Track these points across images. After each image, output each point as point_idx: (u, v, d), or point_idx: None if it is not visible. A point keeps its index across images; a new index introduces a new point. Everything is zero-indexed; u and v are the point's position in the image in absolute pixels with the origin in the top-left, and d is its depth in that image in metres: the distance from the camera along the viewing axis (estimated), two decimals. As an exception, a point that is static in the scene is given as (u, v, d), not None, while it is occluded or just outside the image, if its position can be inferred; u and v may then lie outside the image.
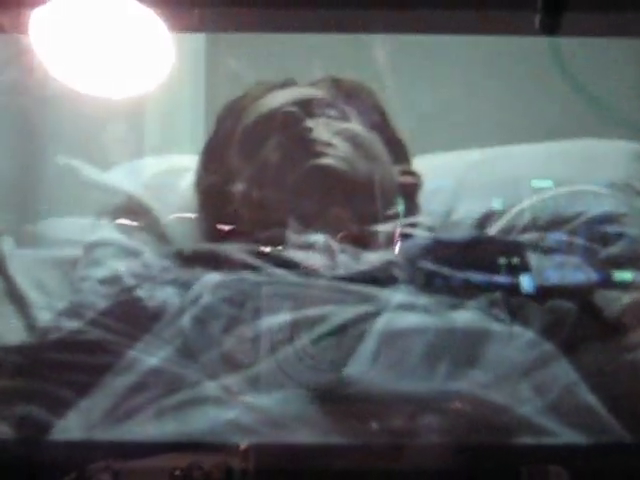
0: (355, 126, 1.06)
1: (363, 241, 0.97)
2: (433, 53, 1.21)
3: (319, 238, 0.93)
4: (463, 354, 0.78)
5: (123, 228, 1.11)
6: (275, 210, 0.98)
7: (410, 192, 1.08)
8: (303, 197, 0.97)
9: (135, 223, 1.11)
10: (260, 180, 1.01)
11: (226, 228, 1.01)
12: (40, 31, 0.91)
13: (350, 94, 1.09)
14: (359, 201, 0.99)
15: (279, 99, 1.06)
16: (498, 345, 0.79)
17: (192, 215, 1.11)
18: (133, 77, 1.02)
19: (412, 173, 1.11)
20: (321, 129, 1.02)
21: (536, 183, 1.08)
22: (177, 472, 0.60)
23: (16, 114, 1.12)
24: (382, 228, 0.99)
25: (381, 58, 1.05)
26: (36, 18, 0.87)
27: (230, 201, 1.04)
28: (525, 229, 1.05)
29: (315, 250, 0.92)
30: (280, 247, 0.92)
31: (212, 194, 1.09)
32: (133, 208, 1.13)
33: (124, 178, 1.18)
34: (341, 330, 0.79)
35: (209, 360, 0.79)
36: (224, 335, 0.80)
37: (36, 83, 0.99)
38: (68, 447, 0.72)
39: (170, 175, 1.19)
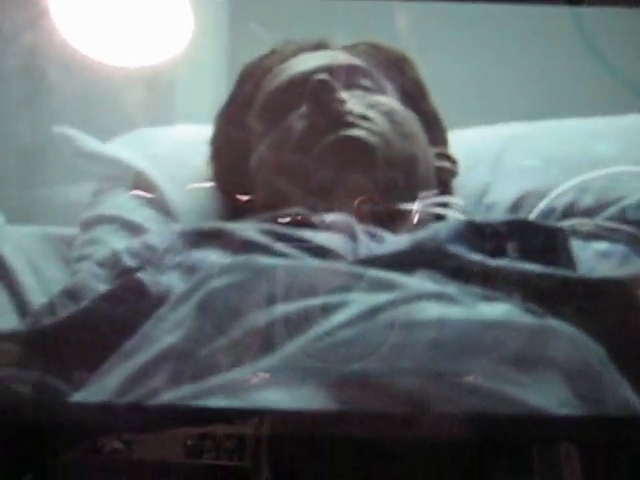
0: (392, 101, 1.00)
1: (389, 220, 0.91)
2: (459, 22, 1.19)
3: (340, 217, 0.88)
4: (491, 351, 0.72)
5: (125, 203, 1.06)
6: (295, 183, 0.93)
7: (445, 177, 1.02)
8: (328, 169, 0.92)
9: (138, 198, 1.06)
10: (282, 148, 0.95)
11: (242, 202, 0.98)
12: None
13: (390, 64, 1.03)
14: (390, 180, 0.93)
15: (310, 63, 1.00)
16: (531, 342, 0.73)
17: (203, 188, 1.06)
18: (155, 43, 1.01)
19: (449, 157, 1.05)
20: (355, 101, 0.96)
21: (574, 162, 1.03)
22: (189, 441, 0.61)
23: (31, 78, 1.08)
24: (411, 207, 0.93)
25: (406, 27, 1.02)
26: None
27: (247, 172, 0.99)
28: (565, 214, 0.99)
29: (335, 230, 0.86)
30: (297, 226, 0.86)
31: (228, 163, 1.04)
32: (136, 182, 1.08)
33: (126, 149, 1.12)
34: (360, 320, 0.72)
35: (216, 350, 0.73)
36: (232, 323, 0.74)
37: (55, 47, 0.98)
38: (83, 410, 0.71)
39: (179, 146, 1.14)
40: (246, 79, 1.05)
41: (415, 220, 0.94)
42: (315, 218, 0.88)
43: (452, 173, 1.03)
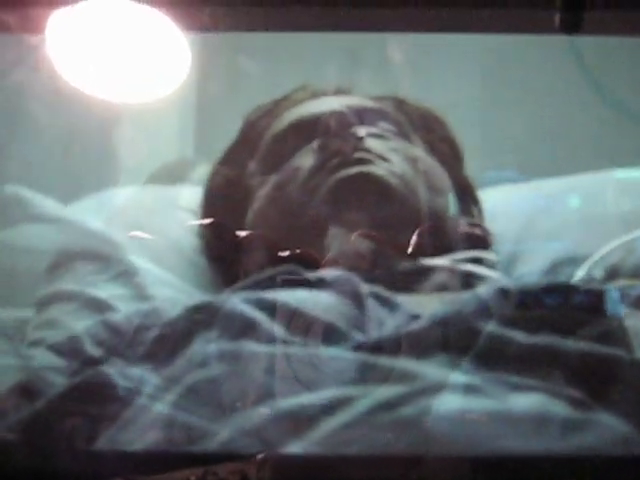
0: (419, 150, 0.92)
1: (404, 278, 0.82)
2: (451, 53, 1.16)
3: (341, 274, 0.77)
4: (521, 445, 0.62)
5: (86, 277, 0.96)
6: (297, 228, 0.86)
7: (475, 245, 0.92)
8: (336, 211, 0.84)
9: (103, 271, 0.96)
10: (286, 188, 0.88)
11: (232, 269, 0.89)
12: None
13: (419, 120, 0.97)
14: (409, 231, 0.84)
15: (328, 105, 0.93)
16: (567, 437, 0.62)
17: (181, 259, 0.99)
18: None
19: (482, 228, 0.95)
20: (374, 141, 0.89)
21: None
22: (192, 478, 0.60)
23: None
24: (435, 262, 0.83)
25: (397, 58, 0.96)
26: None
27: (242, 232, 0.90)
28: (609, 279, 0.89)
29: (336, 290, 0.75)
30: (291, 285, 0.76)
31: (221, 221, 0.95)
32: (100, 251, 0.97)
33: (91, 213, 1.03)
34: (366, 420, 0.63)
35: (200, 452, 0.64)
36: (217, 423, 0.65)
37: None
38: (88, 456, 0.67)
39: (152, 211, 1.06)
40: (250, 125, 0.99)
41: (438, 279, 0.84)
42: (311, 275, 0.78)
43: (484, 242, 0.93)
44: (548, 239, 0.99)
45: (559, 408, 0.63)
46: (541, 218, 1.02)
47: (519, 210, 1.04)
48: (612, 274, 0.89)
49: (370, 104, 0.95)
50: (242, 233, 0.90)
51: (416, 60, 1.01)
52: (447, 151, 0.97)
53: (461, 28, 0.84)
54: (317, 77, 1.02)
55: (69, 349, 0.78)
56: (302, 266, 0.79)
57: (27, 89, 0.94)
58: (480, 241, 0.92)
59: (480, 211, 0.98)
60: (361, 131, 0.88)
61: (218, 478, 0.60)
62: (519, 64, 1.22)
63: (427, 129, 0.96)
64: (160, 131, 1.07)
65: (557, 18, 0.76)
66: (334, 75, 1.02)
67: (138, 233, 0.99)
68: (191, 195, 1.04)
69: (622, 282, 0.86)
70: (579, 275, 0.89)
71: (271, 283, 0.77)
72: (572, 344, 0.68)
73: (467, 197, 0.97)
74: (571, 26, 0.77)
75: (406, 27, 0.83)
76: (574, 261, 0.92)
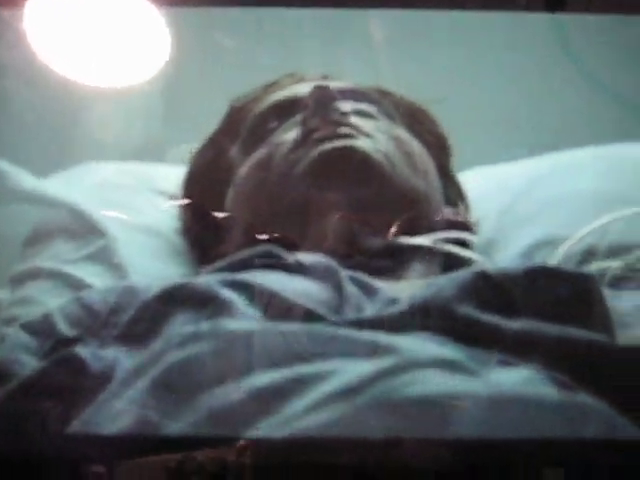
0: (404, 132, 0.90)
1: (385, 256, 0.81)
2: (433, 32, 1.13)
3: (320, 259, 0.76)
4: (507, 429, 0.60)
5: (65, 254, 0.94)
6: (278, 204, 0.84)
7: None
8: (318, 185, 0.82)
9: (82, 247, 0.94)
10: (267, 163, 0.86)
11: (212, 249, 0.88)
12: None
13: (405, 111, 0.95)
14: (393, 209, 0.83)
15: (311, 86, 0.89)
16: (555, 422, 0.61)
17: (158, 236, 0.97)
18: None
19: (465, 215, 0.94)
20: (359, 118, 0.87)
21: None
22: (171, 464, 0.60)
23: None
24: (413, 241, 0.82)
25: (377, 35, 0.96)
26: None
27: (222, 213, 0.89)
28: (584, 260, 0.88)
29: (314, 275, 0.74)
30: (269, 268, 0.76)
31: (201, 203, 0.94)
32: (78, 228, 0.96)
33: (69, 188, 1.00)
34: (349, 394, 0.60)
35: (174, 433, 0.62)
36: (194, 402, 0.63)
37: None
38: (62, 440, 0.66)
39: (134, 187, 1.04)
40: (234, 111, 0.96)
41: (419, 259, 0.82)
42: (290, 258, 0.77)
43: (467, 228, 0.91)
44: (527, 222, 0.97)
45: (547, 388, 0.62)
46: (520, 201, 1.01)
47: (498, 193, 1.03)
48: (588, 256, 0.89)
49: (356, 86, 0.93)
50: (220, 215, 0.88)
51: (397, 38, 0.99)
52: (433, 143, 0.94)
53: (445, 5, 0.83)
54: (297, 54, 1.01)
55: (42, 328, 0.76)
56: (281, 247, 0.78)
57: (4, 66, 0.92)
58: (463, 227, 0.91)
59: (467, 207, 0.96)
60: (346, 106, 0.86)
61: (197, 463, 0.60)
62: (501, 42, 1.18)
63: (413, 120, 0.94)
64: (136, 109, 1.04)
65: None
66: (314, 53, 1.01)
67: (116, 212, 0.98)
68: (168, 176, 1.03)
69: (598, 264, 0.85)
70: (556, 258, 0.88)
71: (248, 265, 0.76)
72: (554, 329, 0.67)
73: (452, 190, 0.95)
74: (554, 4, 0.77)
75: (389, 3, 0.83)
76: (551, 244, 0.92)
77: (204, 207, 0.92)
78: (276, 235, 0.82)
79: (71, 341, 0.72)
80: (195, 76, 1.11)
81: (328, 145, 0.82)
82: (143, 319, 0.72)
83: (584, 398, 0.61)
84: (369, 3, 0.85)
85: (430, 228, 0.85)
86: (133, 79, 0.96)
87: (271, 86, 0.95)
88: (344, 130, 0.84)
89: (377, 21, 0.93)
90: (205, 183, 0.95)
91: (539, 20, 1.07)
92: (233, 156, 0.92)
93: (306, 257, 0.77)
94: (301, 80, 0.94)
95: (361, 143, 0.83)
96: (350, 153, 0.82)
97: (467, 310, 0.68)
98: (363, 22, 0.96)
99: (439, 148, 0.95)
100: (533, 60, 1.17)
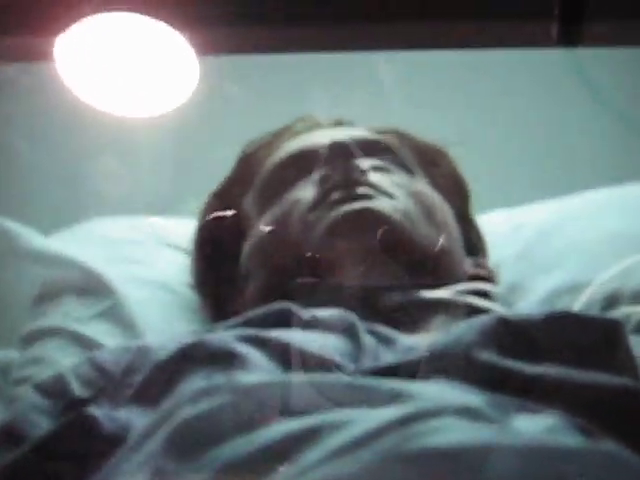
0: (423, 185, 0.89)
1: (404, 314, 0.79)
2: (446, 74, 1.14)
3: (337, 312, 0.74)
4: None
5: (73, 312, 0.93)
6: (294, 265, 0.82)
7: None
8: (336, 249, 0.80)
9: (90, 306, 0.93)
10: (282, 222, 0.84)
11: (226, 305, 0.87)
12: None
13: (422, 155, 0.93)
14: (413, 269, 0.81)
15: (329, 136, 0.88)
16: (582, 472, 0.56)
17: (171, 295, 0.96)
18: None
19: (486, 267, 0.92)
20: (378, 175, 0.85)
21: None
22: None
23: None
24: (433, 295, 0.80)
25: (388, 78, 0.94)
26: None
27: (235, 269, 0.88)
28: (608, 306, 0.86)
29: (331, 329, 0.73)
30: (284, 325, 0.74)
31: (214, 257, 0.93)
32: (87, 286, 0.95)
33: (75, 245, 1.00)
34: (365, 443, 0.56)
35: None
36: (208, 458, 0.60)
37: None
38: None
39: (143, 243, 1.04)
40: (247, 158, 0.95)
41: (441, 313, 0.80)
42: (307, 314, 0.75)
43: (488, 281, 0.90)
44: (545, 269, 0.96)
45: (571, 436, 0.59)
46: (537, 246, 1.00)
47: (514, 238, 1.02)
48: (612, 301, 0.87)
49: (372, 136, 0.91)
50: (235, 268, 0.88)
51: (410, 79, 0.99)
52: (451, 187, 0.93)
53: (456, 44, 0.82)
54: (309, 100, 1.00)
55: (55, 389, 0.75)
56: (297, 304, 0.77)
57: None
58: (484, 278, 0.89)
59: (485, 252, 0.95)
60: (364, 164, 0.85)
61: None
62: (518, 79, 1.21)
63: (431, 163, 0.93)
64: (144, 159, 1.04)
65: (555, 30, 0.74)
66: (325, 98, 0.99)
67: (125, 266, 0.98)
68: (178, 228, 1.02)
69: (622, 309, 0.84)
70: (578, 305, 0.87)
71: (264, 322, 0.75)
72: (579, 374, 0.65)
73: (471, 233, 0.93)
74: (570, 38, 0.75)
75: (398, 44, 0.82)
76: (572, 290, 0.90)
77: (219, 260, 0.92)
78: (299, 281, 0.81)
79: (84, 402, 0.71)
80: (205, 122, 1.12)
81: (347, 207, 0.81)
82: (158, 379, 0.71)
83: (610, 446, 0.57)
84: (377, 45, 0.83)
85: (451, 281, 0.84)
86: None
87: (284, 132, 0.94)
88: (362, 190, 0.82)
89: (387, 63, 0.93)
90: (218, 235, 0.94)
91: (557, 55, 1.07)
92: (247, 209, 0.91)
93: (322, 312, 0.75)
94: (315, 126, 0.93)
95: (380, 204, 0.82)
96: (370, 215, 0.81)
97: (488, 356, 0.66)
98: (372, 65, 0.95)
99: (458, 193, 0.94)
100: (552, 99, 1.17)
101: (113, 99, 0.91)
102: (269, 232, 0.86)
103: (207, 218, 0.96)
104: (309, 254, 0.81)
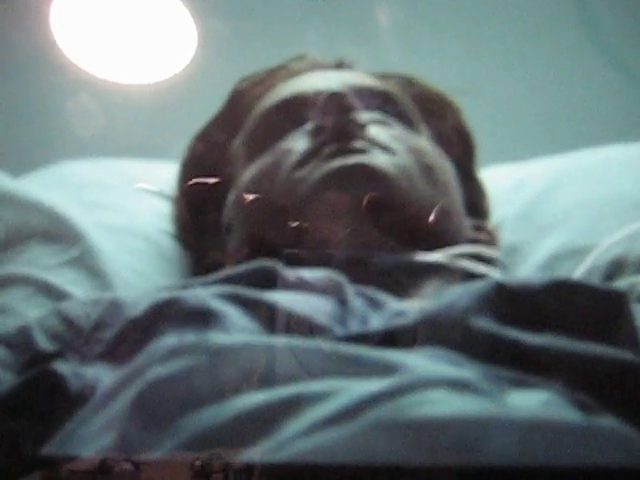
0: (424, 141, 0.85)
1: (398, 275, 0.76)
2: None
3: (325, 274, 0.72)
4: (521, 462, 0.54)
5: (40, 260, 0.89)
6: (281, 220, 0.78)
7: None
8: (327, 205, 0.77)
9: (59, 253, 0.89)
10: (272, 173, 0.81)
11: (209, 255, 0.86)
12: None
13: (428, 104, 0.90)
14: (408, 229, 0.78)
15: (326, 80, 0.85)
16: (579, 449, 0.55)
17: (142, 246, 0.92)
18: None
19: (488, 233, 0.89)
20: (377, 128, 0.81)
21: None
22: (197, 462, 0.56)
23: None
24: (426, 258, 0.77)
25: (385, 20, 0.94)
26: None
27: (219, 218, 0.85)
28: (612, 273, 0.84)
29: (318, 290, 0.71)
30: (269, 286, 0.71)
31: (197, 203, 0.90)
32: (56, 232, 0.91)
33: (44, 188, 0.96)
34: (349, 416, 0.55)
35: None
36: (179, 423, 0.58)
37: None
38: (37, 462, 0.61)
39: (117, 187, 1.01)
40: (238, 96, 0.91)
41: (435, 277, 0.77)
42: (292, 274, 0.73)
43: (489, 242, 0.88)
44: (548, 230, 0.93)
45: (567, 411, 0.58)
46: (540, 205, 0.98)
47: (517, 195, 0.99)
48: (616, 268, 0.84)
49: (374, 84, 0.88)
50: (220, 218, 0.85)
51: (409, 23, 0.97)
52: (456, 142, 0.90)
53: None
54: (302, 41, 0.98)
55: (19, 341, 0.72)
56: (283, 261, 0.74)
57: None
58: (485, 241, 0.86)
59: (487, 214, 0.92)
60: (362, 116, 0.82)
61: (223, 461, 0.55)
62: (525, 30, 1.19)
63: (435, 115, 0.89)
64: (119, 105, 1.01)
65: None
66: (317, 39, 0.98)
67: (96, 212, 0.94)
68: (157, 172, 0.99)
69: (627, 278, 0.81)
70: (580, 271, 0.85)
71: (246, 280, 0.72)
72: (579, 346, 0.62)
73: (473, 192, 0.90)
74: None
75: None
76: (575, 255, 0.88)
77: (203, 207, 0.89)
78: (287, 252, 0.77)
79: (50, 357, 0.68)
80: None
81: (340, 161, 0.78)
82: (129, 336, 0.68)
83: (610, 422, 0.56)
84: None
85: (450, 244, 0.81)
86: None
87: (280, 70, 0.91)
88: (358, 144, 0.79)
89: (387, 6, 0.92)
90: (204, 177, 0.90)
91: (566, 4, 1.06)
92: (235, 153, 0.88)
93: (309, 273, 0.72)
94: (313, 67, 0.90)
95: (376, 158, 0.78)
96: (365, 170, 0.77)
97: (485, 323, 0.64)
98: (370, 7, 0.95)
99: (463, 149, 0.91)
100: (558, 48, 1.16)
101: (109, 64, 0.94)
102: (255, 183, 0.82)
103: (192, 156, 0.93)
104: (295, 224, 0.77)
